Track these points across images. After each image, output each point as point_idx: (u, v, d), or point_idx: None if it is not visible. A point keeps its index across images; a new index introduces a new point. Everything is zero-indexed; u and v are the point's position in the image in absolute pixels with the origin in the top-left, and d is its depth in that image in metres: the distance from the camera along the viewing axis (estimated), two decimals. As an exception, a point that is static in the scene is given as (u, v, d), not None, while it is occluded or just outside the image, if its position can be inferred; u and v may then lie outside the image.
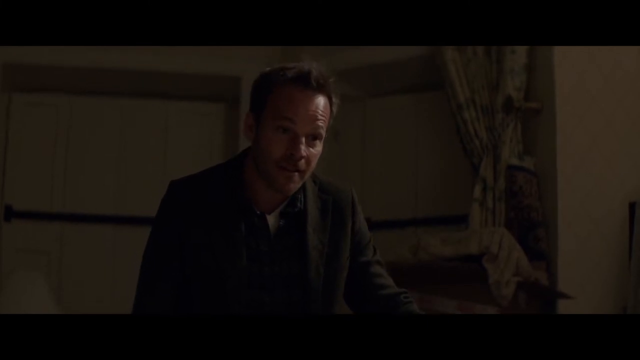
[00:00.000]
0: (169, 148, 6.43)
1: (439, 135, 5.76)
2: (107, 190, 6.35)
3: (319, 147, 2.51)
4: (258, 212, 2.55)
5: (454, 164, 5.58)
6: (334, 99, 2.55)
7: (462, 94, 5.04)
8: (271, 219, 2.57)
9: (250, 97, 2.56)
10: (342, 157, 6.18)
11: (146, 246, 2.59)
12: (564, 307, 4.62)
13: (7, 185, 6.28)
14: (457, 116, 5.07)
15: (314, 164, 2.52)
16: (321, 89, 2.49)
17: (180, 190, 2.57)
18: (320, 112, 2.49)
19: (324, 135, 2.51)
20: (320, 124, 2.48)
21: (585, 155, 4.76)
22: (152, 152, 6.38)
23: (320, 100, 2.50)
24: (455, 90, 5.07)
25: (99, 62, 5.93)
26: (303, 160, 2.47)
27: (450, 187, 5.71)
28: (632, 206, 4.63)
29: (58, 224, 6.32)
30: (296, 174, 2.49)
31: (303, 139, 2.46)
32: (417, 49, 5.31)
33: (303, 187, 2.60)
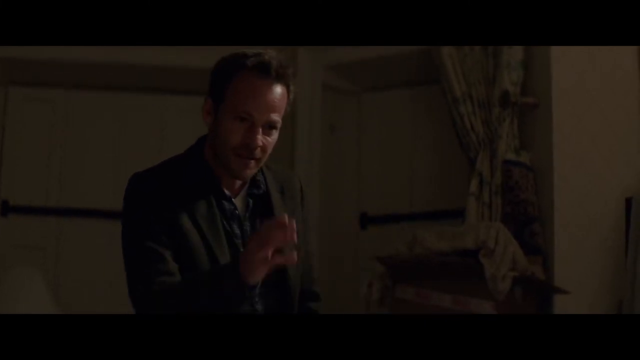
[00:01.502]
0: (166, 143, 6.42)
1: (435, 130, 5.76)
2: (103, 185, 6.34)
3: (274, 136, 2.56)
4: (227, 195, 2.60)
5: (450, 159, 5.58)
6: (291, 87, 2.58)
7: (459, 88, 5.04)
8: (238, 202, 2.63)
9: (209, 82, 2.61)
10: (338, 152, 6.18)
11: (126, 244, 2.57)
12: (560, 302, 4.62)
13: (4, 180, 6.27)
14: (453, 110, 5.07)
15: (269, 151, 2.57)
16: (280, 78, 2.53)
17: (146, 181, 2.59)
18: (277, 101, 2.53)
19: (280, 124, 2.56)
20: (277, 114, 2.54)
21: (581, 150, 4.77)
22: (149, 146, 6.37)
23: (278, 90, 2.54)
24: (451, 84, 5.07)
25: (95, 57, 5.92)
26: (259, 149, 2.53)
27: (446, 182, 5.71)
28: (628, 202, 4.63)
29: (54, 219, 6.32)
30: (252, 161, 2.54)
31: (260, 129, 2.51)
32: (413, 43, 5.32)
33: (262, 171, 2.66)
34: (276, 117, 2.53)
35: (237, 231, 2.59)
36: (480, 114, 5.01)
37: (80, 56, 5.92)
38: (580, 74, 4.80)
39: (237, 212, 2.61)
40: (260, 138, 2.51)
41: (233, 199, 2.61)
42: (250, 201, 2.63)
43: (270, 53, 2.55)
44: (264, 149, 2.54)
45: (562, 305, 4.59)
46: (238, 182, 2.62)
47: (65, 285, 6.07)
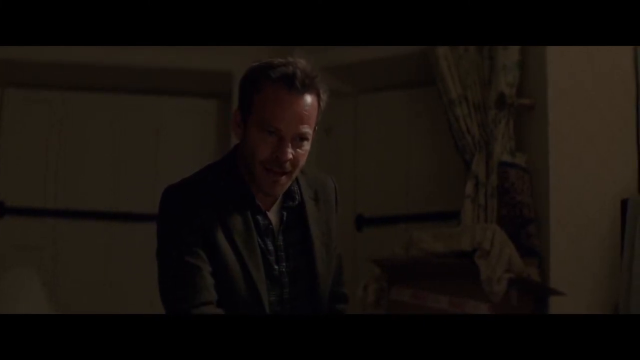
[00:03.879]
0: (162, 144, 6.43)
1: (431, 132, 5.77)
2: (100, 186, 6.34)
3: (306, 147, 2.51)
4: (263, 210, 2.55)
5: (445, 160, 5.58)
6: (321, 95, 2.54)
7: (454, 90, 5.05)
8: (272, 216, 2.58)
9: (238, 94, 2.56)
10: (334, 153, 6.18)
11: (162, 258, 2.51)
12: (555, 304, 4.62)
13: (1, 181, 6.27)
14: (449, 112, 5.08)
15: (301, 163, 2.52)
16: (307, 88, 2.48)
17: (181, 194, 2.52)
18: (306, 113, 2.48)
19: (312, 135, 2.51)
20: (306, 125, 2.48)
21: (577, 152, 4.77)
22: (145, 148, 6.38)
23: (307, 100, 2.48)
24: (447, 86, 5.07)
25: (92, 58, 5.92)
26: (289, 162, 2.47)
27: (442, 184, 5.72)
28: (624, 203, 4.63)
29: (51, 220, 6.32)
30: (283, 176, 2.49)
31: (289, 142, 2.46)
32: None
33: (297, 180, 2.61)
34: (306, 129, 2.47)
35: (271, 247, 2.56)
36: (476, 115, 5.01)
37: (78, 58, 5.92)
38: (576, 75, 4.80)
39: (271, 226, 2.57)
40: (289, 151, 2.46)
41: (268, 213, 2.57)
42: (285, 214, 2.58)
43: (297, 63, 2.49)
44: (294, 162, 2.48)
45: (558, 307, 4.59)
46: (271, 196, 2.57)
47: (62, 286, 6.07)
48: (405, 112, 6.02)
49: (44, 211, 6.31)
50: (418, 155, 5.94)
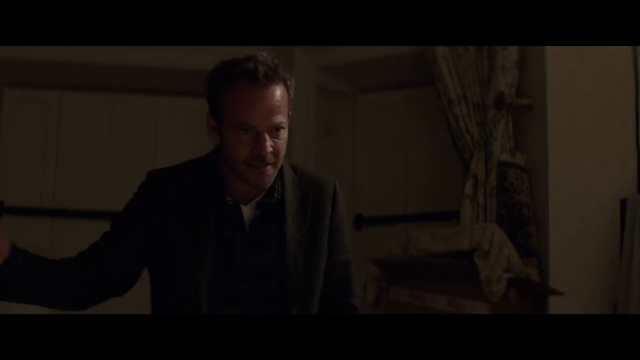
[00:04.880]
0: (160, 143, 6.42)
1: (429, 131, 5.77)
2: (97, 186, 6.34)
3: (284, 135, 2.50)
4: (231, 203, 2.55)
5: (444, 160, 5.59)
6: (288, 83, 2.53)
7: (453, 89, 5.04)
8: (247, 210, 2.58)
9: (207, 97, 2.56)
10: (333, 153, 6.18)
11: (115, 218, 2.63)
12: (555, 304, 4.62)
13: (-2, 181, 6.27)
14: (448, 112, 5.07)
15: (283, 152, 2.51)
16: (272, 80, 2.47)
17: (157, 182, 2.60)
18: (276, 103, 2.47)
19: (287, 123, 2.51)
20: (279, 115, 2.48)
21: (576, 151, 4.77)
22: (143, 147, 6.38)
23: (275, 91, 2.48)
24: (446, 86, 5.07)
25: (89, 58, 5.91)
26: (271, 154, 2.47)
27: (441, 183, 5.72)
28: (623, 203, 4.63)
29: (49, 220, 6.31)
30: (267, 167, 2.49)
31: (266, 135, 2.46)
32: (408, 44, 5.32)
33: (281, 177, 2.60)
34: (279, 119, 2.47)
35: (240, 240, 2.55)
36: (475, 115, 5.01)
37: (74, 57, 5.91)
38: (576, 75, 4.80)
39: (242, 220, 2.56)
40: (268, 145, 2.45)
41: (243, 206, 2.57)
42: (258, 210, 2.58)
43: (257, 56, 2.49)
44: (275, 152, 2.48)
45: (557, 307, 4.59)
46: (253, 190, 2.56)
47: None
48: (404, 112, 6.03)
49: (42, 211, 6.31)
50: (417, 155, 5.94)
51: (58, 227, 6.32)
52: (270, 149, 2.46)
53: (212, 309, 2.49)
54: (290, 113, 2.54)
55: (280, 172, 2.59)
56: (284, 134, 2.50)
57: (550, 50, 4.76)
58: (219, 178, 2.57)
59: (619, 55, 4.86)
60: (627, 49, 4.84)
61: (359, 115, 6.24)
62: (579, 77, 4.81)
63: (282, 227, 2.57)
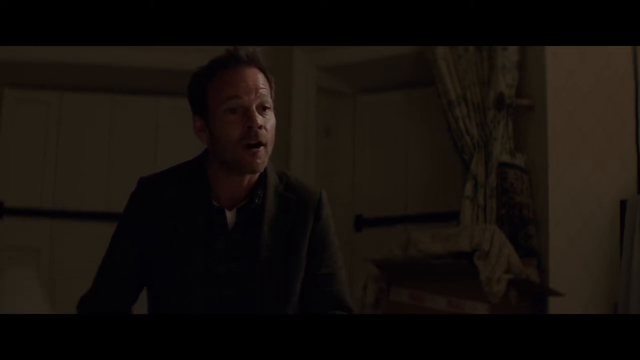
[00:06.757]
0: (160, 144, 6.41)
1: (429, 132, 5.76)
2: (97, 186, 6.33)
3: (270, 117, 2.54)
4: (216, 207, 2.57)
5: (444, 161, 5.58)
6: (269, 75, 2.58)
7: (453, 90, 5.04)
8: (230, 215, 2.59)
9: (189, 100, 2.60)
10: (333, 154, 6.18)
11: (111, 240, 2.72)
12: (554, 304, 4.62)
13: (-1, 181, 6.26)
14: (448, 113, 5.07)
15: (273, 134, 2.54)
16: (253, 62, 2.54)
17: (148, 189, 2.63)
18: (260, 81, 2.53)
19: (272, 105, 2.55)
20: (264, 92, 2.53)
21: (576, 152, 4.77)
22: (143, 148, 6.37)
23: (257, 73, 2.54)
24: (446, 86, 5.07)
25: (89, 58, 5.90)
26: (263, 130, 2.50)
27: (440, 184, 5.71)
28: (622, 204, 4.63)
29: (49, 221, 6.31)
30: (261, 148, 2.50)
31: (254, 109, 2.50)
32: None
33: (264, 184, 2.61)
34: (265, 97, 2.53)
35: (221, 245, 2.56)
36: (475, 116, 5.01)
37: (74, 58, 5.90)
38: (575, 75, 4.81)
39: (225, 224, 2.58)
40: (259, 118, 2.49)
41: (227, 212, 2.58)
42: (238, 215, 2.58)
43: (237, 47, 2.56)
44: (267, 129, 2.51)
45: (557, 307, 4.59)
46: (240, 194, 2.58)
47: (61, 286, 6.05)
48: (404, 112, 6.02)
49: (42, 212, 6.30)
50: (417, 156, 5.93)
51: (58, 227, 6.31)
52: (261, 122, 2.49)
53: (194, 312, 2.51)
54: (273, 104, 2.57)
55: (264, 179, 2.60)
56: (270, 114, 2.54)
57: (550, 50, 4.76)
58: (205, 182, 2.59)
59: (619, 55, 4.86)
60: (627, 49, 4.84)
61: (359, 115, 6.24)
62: (579, 77, 4.81)
63: (257, 234, 2.58)
